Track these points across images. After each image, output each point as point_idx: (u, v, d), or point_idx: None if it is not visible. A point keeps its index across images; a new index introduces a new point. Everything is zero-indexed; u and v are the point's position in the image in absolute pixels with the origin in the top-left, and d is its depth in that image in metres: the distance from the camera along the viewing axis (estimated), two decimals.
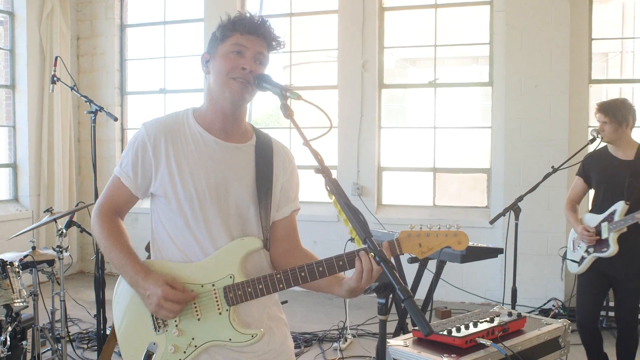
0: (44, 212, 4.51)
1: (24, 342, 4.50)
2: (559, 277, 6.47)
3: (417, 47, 8.12)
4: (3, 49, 7.99)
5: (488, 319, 2.87)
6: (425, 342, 2.71)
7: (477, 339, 2.63)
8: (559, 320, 3.13)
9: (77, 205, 4.63)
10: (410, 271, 4.74)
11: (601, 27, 7.49)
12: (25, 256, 4.33)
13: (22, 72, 7.94)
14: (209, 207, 2.12)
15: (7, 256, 4.39)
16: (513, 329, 2.92)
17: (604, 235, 4.26)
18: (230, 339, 2.07)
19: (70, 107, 8.30)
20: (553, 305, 6.61)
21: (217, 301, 2.08)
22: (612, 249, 4.24)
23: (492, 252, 4.36)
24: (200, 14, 8.26)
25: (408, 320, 4.80)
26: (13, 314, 4.03)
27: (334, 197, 1.87)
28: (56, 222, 4.41)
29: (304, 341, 5.74)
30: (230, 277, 2.07)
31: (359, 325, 6.26)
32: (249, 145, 2.24)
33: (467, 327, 2.73)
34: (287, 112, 2.03)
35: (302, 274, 2.00)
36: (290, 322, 2.24)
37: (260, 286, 2.04)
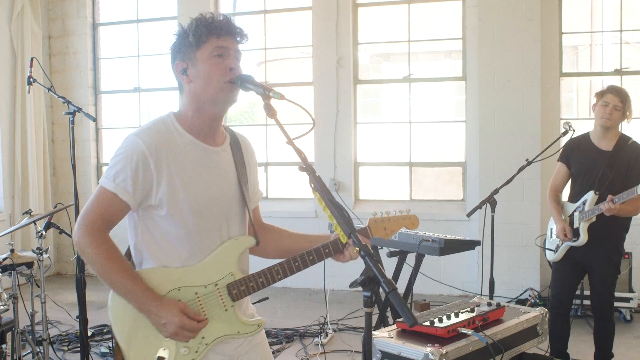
0: (23, 214, 4.49)
1: (3, 346, 4.47)
2: (535, 266, 6.60)
3: (391, 42, 8.17)
4: None
5: (469, 309, 2.95)
6: (409, 333, 2.78)
7: (458, 328, 2.72)
8: (537, 309, 3.22)
9: (55, 206, 4.60)
10: (389, 265, 4.81)
11: (571, 21, 7.63)
12: (4, 259, 4.30)
13: None
14: (209, 215, 2.19)
15: None
16: (493, 318, 3.01)
17: (575, 225, 4.36)
18: (238, 332, 2.21)
19: (44, 107, 8.20)
20: (529, 295, 6.72)
21: (221, 299, 2.18)
22: (582, 239, 4.33)
23: (469, 245, 4.44)
24: (173, 12, 8.23)
25: (388, 314, 4.88)
26: None
27: (318, 194, 1.91)
28: (35, 224, 4.38)
29: (285, 337, 5.76)
30: (231, 275, 2.19)
31: (339, 320, 6.31)
32: (227, 145, 2.31)
33: (448, 318, 2.81)
34: (271, 111, 2.08)
35: (296, 263, 2.21)
36: (271, 319, 2.43)
37: (261, 279, 2.19)
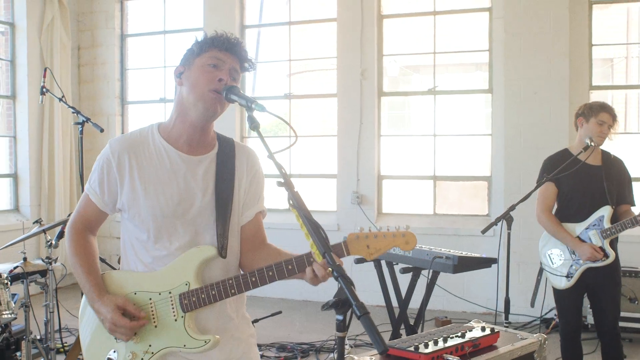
0: (33, 223, 4.52)
1: (18, 354, 4.49)
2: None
3: (416, 54, 8.06)
4: (3, 59, 8.03)
5: (459, 334, 2.80)
6: (392, 358, 2.65)
7: (444, 355, 2.57)
8: (534, 335, 3.04)
9: (69, 215, 4.60)
10: (404, 281, 4.69)
11: (605, 33, 7.41)
12: (15, 267, 4.32)
13: (22, 83, 7.96)
14: (170, 221, 2.18)
15: None
16: (484, 345, 2.82)
17: (596, 243, 4.17)
18: (184, 345, 2.14)
19: (71, 117, 8.27)
20: (555, 315, 6.49)
21: (173, 308, 2.14)
22: (612, 256, 4.15)
23: (485, 262, 4.29)
24: (199, 23, 8.27)
25: (402, 332, 4.75)
26: (1, 325, 4.02)
27: (295, 211, 1.83)
28: (45, 233, 4.39)
29: (300, 351, 5.69)
30: (186, 284, 2.14)
31: (357, 335, 6.20)
32: (211, 155, 2.27)
33: (435, 343, 2.66)
34: (253, 123, 2.02)
35: (253, 279, 2.07)
36: (288, 332, 2.31)
37: (213, 292, 2.10)
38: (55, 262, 4.42)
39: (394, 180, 7.77)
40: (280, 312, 5.33)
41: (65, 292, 7.27)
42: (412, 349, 2.59)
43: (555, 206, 4.47)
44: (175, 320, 2.13)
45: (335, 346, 1.68)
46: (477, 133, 7.59)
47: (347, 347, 5.73)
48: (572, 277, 4.27)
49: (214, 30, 2.24)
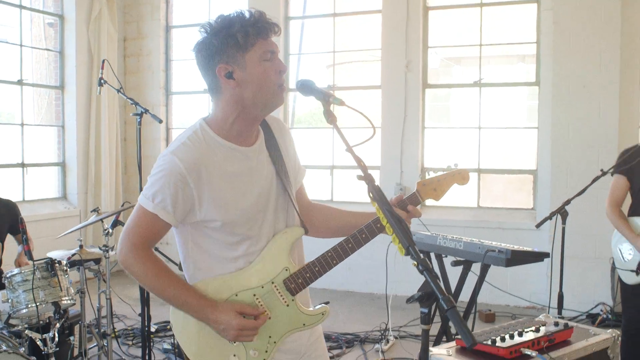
0: (91, 211, 4.60)
1: (71, 338, 4.60)
2: (608, 282, 6.32)
3: (462, 46, 7.99)
4: (53, 50, 8.19)
5: (534, 328, 2.78)
6: (469, 351, 2.65)
7: (522, 349, 2.57)
8: (608, 331, 2.99)
9: (122, 205, 4.70)
10: (454, 274, 4.68)
11: None
12: (73, 254, 4.42)
13: (70, 73, 8.12)
14: (257, 218, 2.17)
15: (55, 254, 4.49)
16: (559, 340, 2.81)
17: None
18: (304, 324, 2.18)
19: (117, 107, 8.42)
20: (601, 310, 6.43)
21: (281, 296, 2.15)
22: None
23: (537, 256, 4.24)
24: None
25: (451, 324, 4.75)
26: (61, 310, 4.12)
27: (376, 205, 1.84)
28: (102, 221, 4.49)
29: (345, 342, 5.72)
30: (286, 270, 2.15)
31: (401, 326, 6.21)
32: (261, 139, 2.25)
33: (512, 337, 2.65)
34: (330, 118, 2.02)
35: (349, 245, 2.15)
36: (332, 323, 2.37)
37: (317, 268, 2.14)
38: (112, 250, 4.52)
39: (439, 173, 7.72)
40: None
41: (114, 278, 7.43)
42: (489, 342, 2.59)
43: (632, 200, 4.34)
44: (288, 305, 2.15)
45: (421, 338, 1.70)
46: (522, 126, 7.50)
47: (391, 338, 5.76)
48: None
49: (237, 13, 2.09)
